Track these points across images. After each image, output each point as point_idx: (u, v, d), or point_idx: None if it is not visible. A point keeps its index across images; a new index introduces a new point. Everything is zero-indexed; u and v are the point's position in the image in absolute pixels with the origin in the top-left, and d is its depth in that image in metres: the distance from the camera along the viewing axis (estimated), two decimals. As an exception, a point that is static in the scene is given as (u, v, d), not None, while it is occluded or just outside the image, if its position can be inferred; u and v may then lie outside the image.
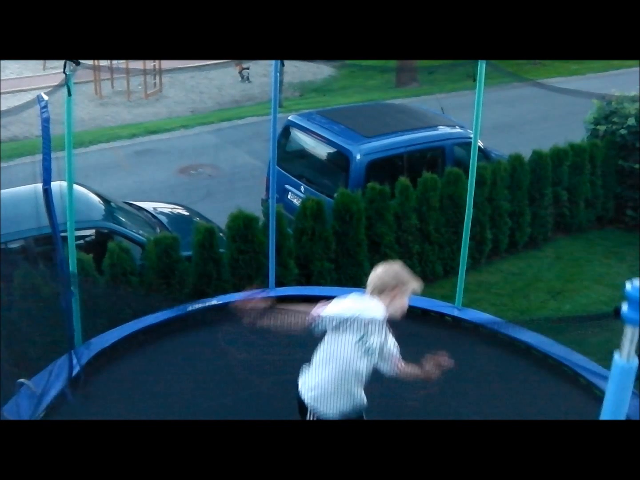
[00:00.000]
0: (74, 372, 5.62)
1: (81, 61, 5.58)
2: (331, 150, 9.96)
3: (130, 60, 19.22)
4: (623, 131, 11.05)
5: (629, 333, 2.48)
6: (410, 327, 6.40)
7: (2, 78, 17.50)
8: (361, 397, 4.45)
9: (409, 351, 4.42)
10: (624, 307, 2.46)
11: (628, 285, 2.44)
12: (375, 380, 4.51)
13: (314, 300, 4.37)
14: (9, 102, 15.24)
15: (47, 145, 4.63)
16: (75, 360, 5.67)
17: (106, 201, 8.97)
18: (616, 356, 2.51)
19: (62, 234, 5.74)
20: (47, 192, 4.69)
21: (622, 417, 2.56)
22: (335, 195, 8.75)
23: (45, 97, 4.82)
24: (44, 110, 4.73)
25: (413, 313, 6.53)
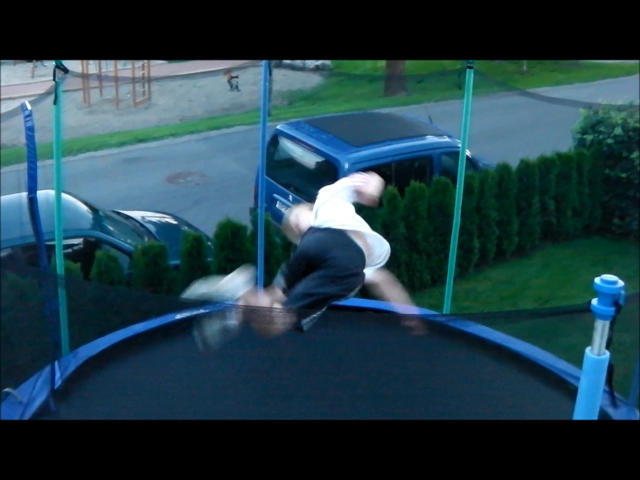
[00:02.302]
0: (58, 382, 5.60)
1: (70, 69, 5.59)
2: (319, 159, 9.98)
3: (119, 68, 19.24)
4: (610, 140, 11.11)
5: (599, 327, 2.51)
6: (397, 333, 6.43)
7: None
8: None
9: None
10: (594, 301, 2.50)
11: (597, 280, 2.48)
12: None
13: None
14: (-3, 110, 15.19)
15: (32, 153, 4.62)
16: (59, 370, 5.65)
17: (94, 210, 8.96)
18: (587, 350, 2.54)
19: (50, 243, 5.74)
20: (32, 200, 4.68)
21: (596, 412, 2.59)
22: (324, 204, 8.75)
23: (29, 106, 4.82)
24: (28, 119, 4.72)
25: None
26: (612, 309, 2.46)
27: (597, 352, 2.52)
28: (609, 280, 2.46)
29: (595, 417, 2.59)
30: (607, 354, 2.52)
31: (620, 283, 2.46)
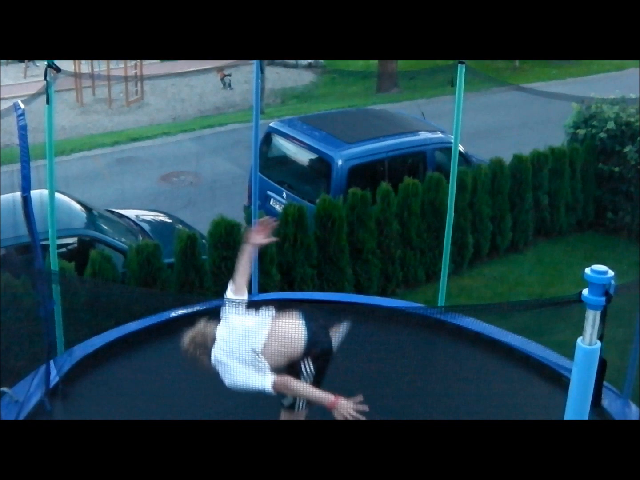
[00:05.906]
0: (54, 381, 5.61)
1: (62, 68, 5.59)
2: (313, 156, 9.99)
3: (111, 68, 19.19)
4: (602, 135, 11.12)
5: (590, 317, 2.53)
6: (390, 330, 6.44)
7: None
8: None
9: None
10: (585, 292, 2.53)
11: (587, 270, 2.50)
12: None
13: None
14: (-11, 111, 15.11)
15: (25, 152, 4.62)
16: (55, 370, 5.65)
17: (88, 209, 8.95)
18: (579, 341, 2.55)
19: (44, 242, 5.73)
20: (26, 199, 4.68)
21: (588, 402, 2.61)
22: (317, 201, 8.77)
23: (22, 105, 4.82)
24: (21, 118, 4.73)
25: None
26: (603, 298, 2.48)
27: (588, 342, 2.54)
28: (600, 271, 2.49)
29: (587, 407, 2.61)
30: (599, 344, 2.54)
31: (611, 273, 2.48)
